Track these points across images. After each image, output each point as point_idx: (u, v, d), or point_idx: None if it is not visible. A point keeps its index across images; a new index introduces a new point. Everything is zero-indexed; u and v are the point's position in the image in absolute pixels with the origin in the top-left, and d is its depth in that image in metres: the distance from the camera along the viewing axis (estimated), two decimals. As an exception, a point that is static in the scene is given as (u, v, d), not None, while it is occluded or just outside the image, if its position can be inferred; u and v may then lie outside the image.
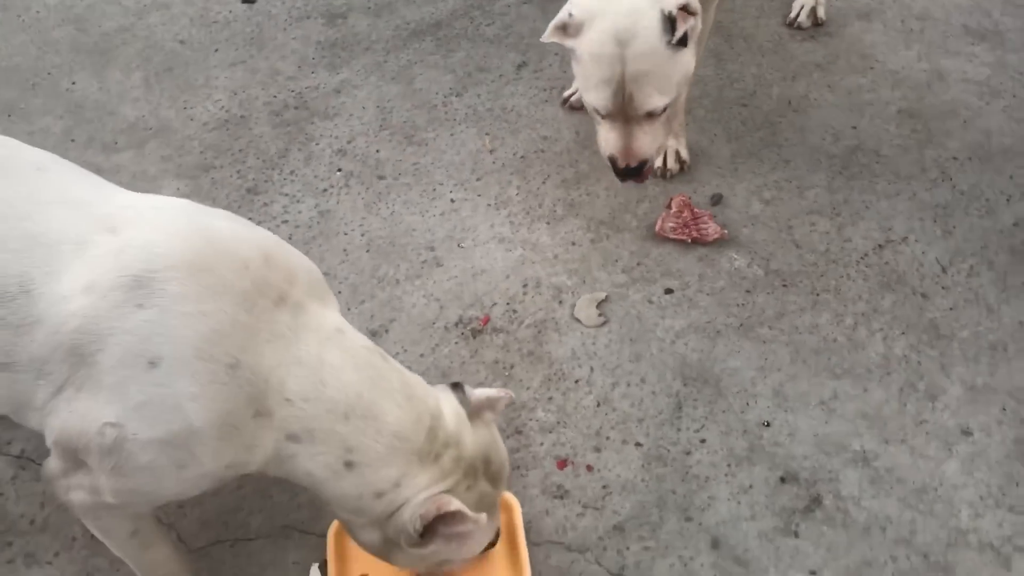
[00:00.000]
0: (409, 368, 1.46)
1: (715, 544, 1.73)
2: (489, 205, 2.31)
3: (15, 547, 1.75)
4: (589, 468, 1.84)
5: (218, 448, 1.25)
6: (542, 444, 1.87)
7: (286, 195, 2.33)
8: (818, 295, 2.11)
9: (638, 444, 1.87)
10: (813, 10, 2.76)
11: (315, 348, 1.31)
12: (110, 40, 2.77)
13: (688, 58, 1.85)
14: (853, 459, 1.84)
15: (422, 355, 2.01)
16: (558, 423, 1.91)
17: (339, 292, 2.10)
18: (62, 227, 1.26)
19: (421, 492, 1.35)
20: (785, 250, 2.20)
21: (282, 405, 1.27)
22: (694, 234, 2.21)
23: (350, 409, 1.31)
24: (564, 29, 1.83)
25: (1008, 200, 2.29)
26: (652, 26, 1.76)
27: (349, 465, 1.32)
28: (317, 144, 2.47)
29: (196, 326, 1.21)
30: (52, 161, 1.40)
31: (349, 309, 2.07)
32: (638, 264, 2.19)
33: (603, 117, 1.91)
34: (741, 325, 2.06)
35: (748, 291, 2.13)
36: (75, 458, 1.30)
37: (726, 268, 2.17)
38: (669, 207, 2.25)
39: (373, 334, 2.02)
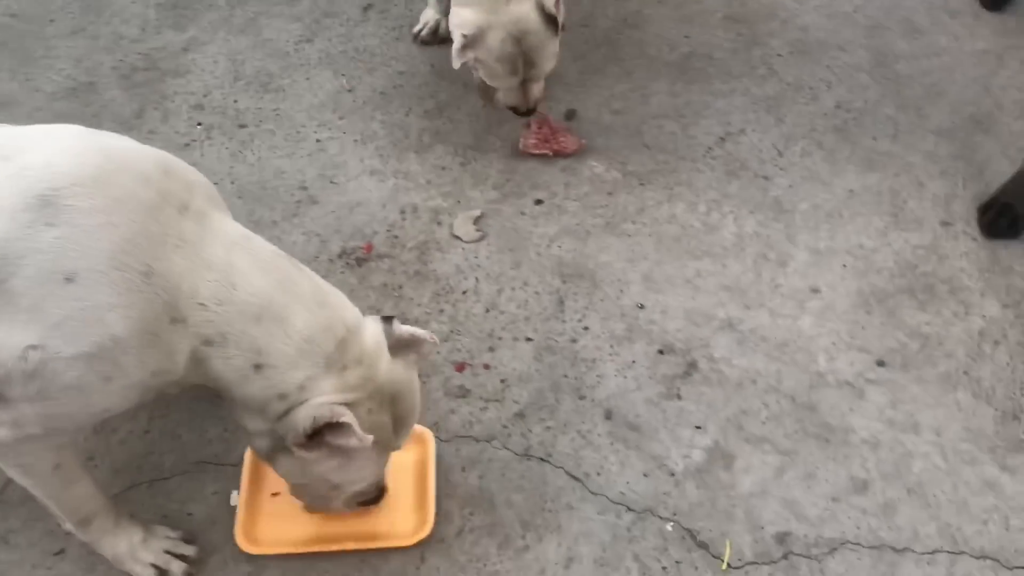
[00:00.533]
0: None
1: (608, 415, 1.88)
2: (356, 141, 2.37)
3: (-80, 524, 1.72)
4: (486, 367, 1.95)
5: (141, 356, 1.28)
6: (439, 353, 1.97)
7: (149, 154, 2.31)
8: (672, 189, 2.29)
9: (528, 339, 2.00)
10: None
11: (223, 253, 1.34)
12: (-67, 20, 2.66)
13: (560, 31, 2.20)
14: (720, 326, 2.02)
15: (311, 287, 2.06)
16: (452, 332, 2.01)
17: (219, 239, 2.12)
18: None
19: (321, 397, 1.37)
20: (638, 153, 2.36)
21: (196, 310, 1.31)
22: (555, 147, 2.34)
23: (262, 311, 1.34)
24: (464, 49, 2.09)
25: (828, 86, 2.52)
26: (538, 26, 2.11)
27: (258, 368, 1.35)
28: (172, 102, 2.45)
29: (108, 236, 1.23)
30: None
31: (231, 254, 2.10)
32: (507, 180, 2.30)
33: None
34: (607, 223, 2.21)
35: (610, 193, 2.28)
36: None
37: (587, 175, 2.32)
38: (528, 125, 2.37)
39: (259, 274, 2.06)
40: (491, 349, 1.98)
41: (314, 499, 1.61)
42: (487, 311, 2.05)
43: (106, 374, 1.28)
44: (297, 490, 1.60)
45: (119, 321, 1.25)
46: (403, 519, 1.71)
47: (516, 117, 2.32)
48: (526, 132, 2.36)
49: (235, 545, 1.68)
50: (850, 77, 2.55)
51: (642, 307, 2.05)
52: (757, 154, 2.35)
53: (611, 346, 1.99)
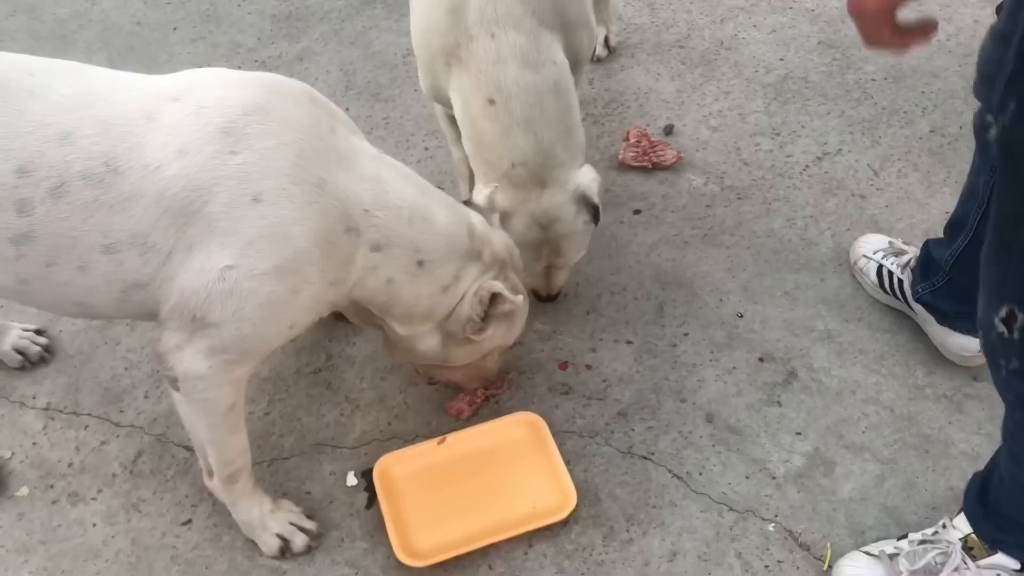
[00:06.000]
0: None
1: (709, 418, 1.93)
2: (462, 149, 2.46)
3: (57, 488, 1.83)
4: (588, 367, 2.01)
5: (323, 265, 1.42)
6: (543, 351, 2.04)
7: (266, 155, 2.43)
8: (770, 204, 2.34)
9: (629, 342, 2.06)
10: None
11: (371, 166, 1.50)
12: (66, 26, 2.82)
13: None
14: (819, 337, 2.06)
15: (420, 284, 2.15)
16: (554, 332, 2.08)
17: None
18: (127, 108, 1.35)
19: (474, 283, 1.62)
20: (736, 168, 2.42)
21: (364, 216, 1.46)
22: (654, 160, 2.41)
23: (412, 213, 1.52)
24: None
25: (923, 111, 2.56)
26: (571, 216, 1.86)
27: (420, 264, 1.55)
28: (288, 108, 2.58)
29: (284, 155, 1.36)
30: (84, 65, 1.45)
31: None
32: (607, 191, 2.36)
33: None
34: (705, 235, 2.27)
35: (708, 206, 2.34)
36: (193, 321, 1.38)
37: (685, 188, 2.38)
38: (627, 139, 2.45)
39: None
40: (593, 350, 2.04)
41: (470, 375, 1.85)
42: (587, 313, 2.11)
43: (295, 287, 1.39)
44: (459, 373, 1.84)
45: (303, 233, 1.37)
46: (544, 498, 1.77)
47: (614, 130, 2.39)
48: (625, 145, 2.44)
49: (352, 522, 1.76)
50: (944, 103, 2.58)
51: (741, 316, 2.10)
52: (853, 174, 2.40)
53: (711, 352, 2.04)
